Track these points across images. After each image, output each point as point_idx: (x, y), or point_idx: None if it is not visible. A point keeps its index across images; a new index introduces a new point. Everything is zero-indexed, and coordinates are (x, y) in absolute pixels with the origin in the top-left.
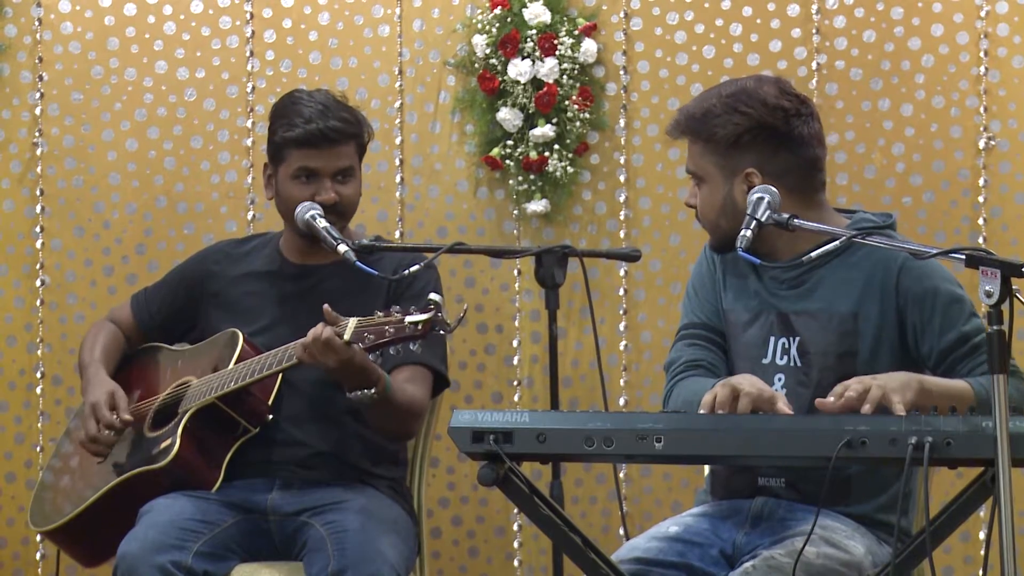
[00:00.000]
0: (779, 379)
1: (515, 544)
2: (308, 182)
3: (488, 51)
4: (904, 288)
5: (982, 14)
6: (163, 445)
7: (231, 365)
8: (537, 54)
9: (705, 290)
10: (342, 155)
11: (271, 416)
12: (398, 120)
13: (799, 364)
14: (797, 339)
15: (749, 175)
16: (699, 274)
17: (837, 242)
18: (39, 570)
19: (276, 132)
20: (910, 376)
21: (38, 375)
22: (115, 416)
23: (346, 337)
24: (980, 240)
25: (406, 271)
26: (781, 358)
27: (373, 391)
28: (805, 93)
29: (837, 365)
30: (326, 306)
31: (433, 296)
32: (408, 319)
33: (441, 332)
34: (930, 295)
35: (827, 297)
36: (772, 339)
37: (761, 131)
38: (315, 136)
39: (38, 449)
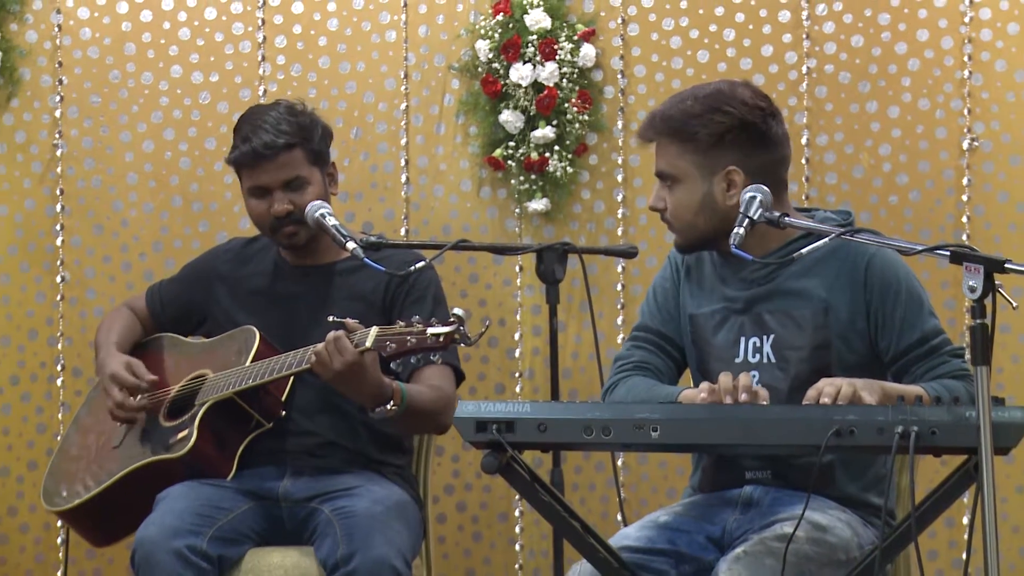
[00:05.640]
0: (754, 376)
1: (517, 529)
2: (261, 197)
3: (491, 56)
4: (871, 279)
5: (966, 20)
6: (180, 436)
7: (248, 362)
8: (538, 59)
9: (666, 298)
10: (285, 166)
11: (284, 412)
12: (404, 122)
13: (773, 360)
14: (771, 336)
15: (730, 173)
16: (662, 279)
17: (827, 239)
18: (60, 554)
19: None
20: (872, 380)
21: (59, 367)
22: (137, 380)
23: (367, 344)
24: (964, 237)
25: (411, 267)
26: (753, 356)
27: (391, 404)
28: (796, 96)
29: (812, 358)
30: (349, 321)
31: (457, 311)
32: (431, 331)
33: (463, 345)
34: (894, 288)
35: (799, 292)
36: (743, 339)
37: (743, 130)
38: (249, 155)
39: (58, 438)
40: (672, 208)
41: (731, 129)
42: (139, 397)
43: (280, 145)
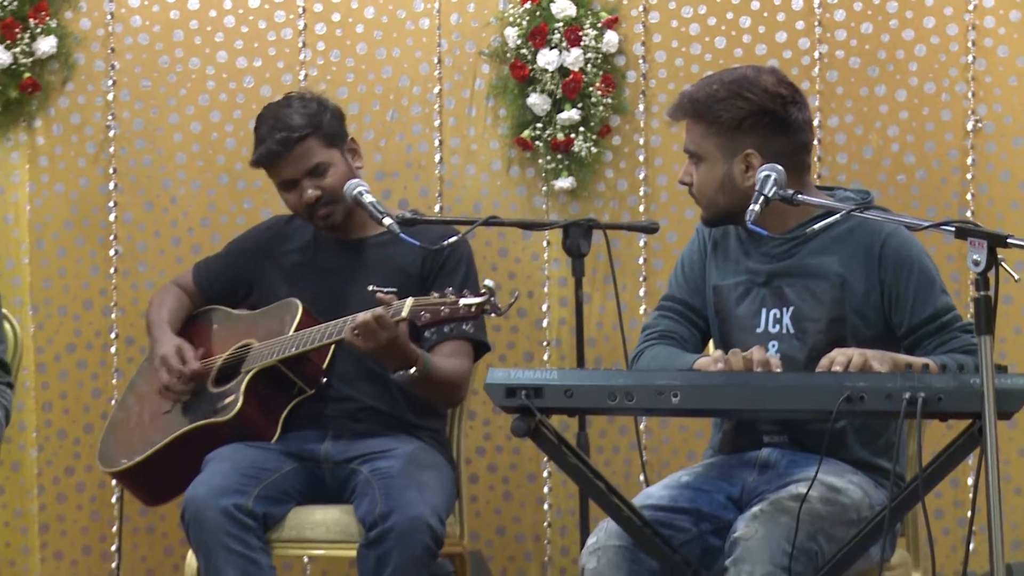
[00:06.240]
0: (773, 345)
1: (545, 489)
2: (291, 189)
3: (519, 42)
4: (886, 256)
5: (970, 7)
6: (227, 400)
7: (291, 331)
8: (564, 45)
9: (693, 269)
10: (303, 157)
11: (325, 379)
12: (437, 105)
13: (792, 331)
14: (791, 308)
15: (748, 156)
16: (690, 251)
17: (838, 216)
18: (114, 512)
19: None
20: (884, 352)
21: (112, 336)
22: (184, 365)
23: (403, 314)
24: (968, 214)
25: (445, 242)
26: (774, 327)
27: (413, 370)
28: (808, 80)
29: (828, 330)
30: (379, 294)
31: (488, 282)
32: (463, 301)
33: (493, 315)
34: (906, 265)
35: (817, 267)
36: (764, 311)
37: (762, 116)
38: (267, 155)
39: (112, 403)
40: (697, 184)
41: (751, 114)
42: (183, 381)
43: (294, 139)
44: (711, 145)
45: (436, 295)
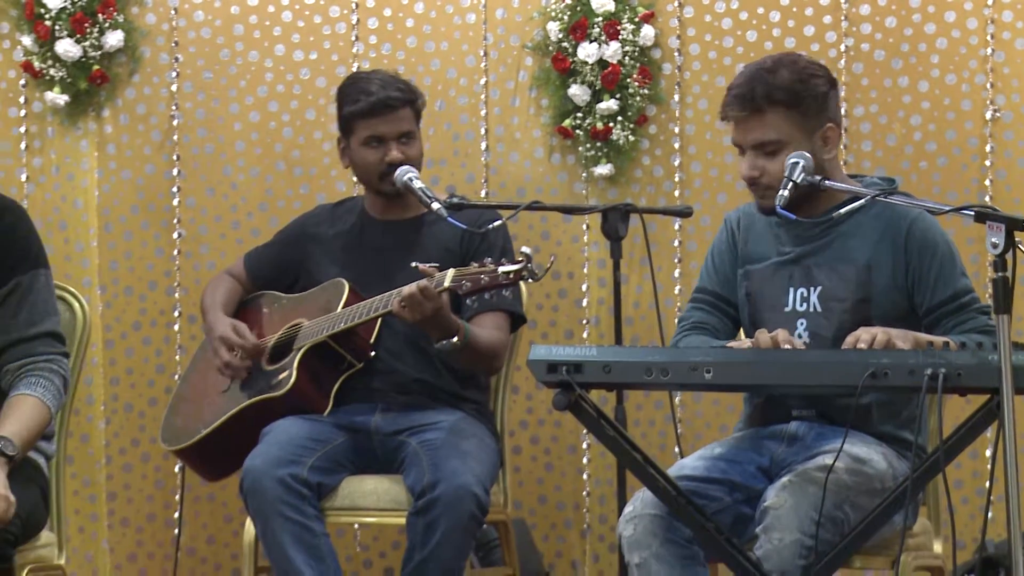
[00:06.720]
0: (801, 323)
1: (584, 460)
2: (377, 147)
3: (560, 36)
4: (912, 240)
5: (989, 2)
6: (281, 376)
7: (339, 309)
8: (603, 38)
9: (723, 260)
10: (402, 119)
11: (373, 353)
12: (483, 96)
13: (819, 310)
14: (819, 288)
15: (828, 130)
16: (719, 243)
17: (864, 200)
18: (177, 481)
19: (343, 108)
20: (907, 330)
21: (176, 314)
22: (242, 341)
23: (445, 284)
24: (987, 199)
25: (490, 225)
26: (801, 305)
27: (455, 339)
28: (835, 72)
29: (854, 309)
30: (422, 267)
31: (524, 249)
32: (501, 269)
33: (531, 280)
34: (930, 249)
35: (845, 250)
36: (791, 290)
37: (833, 87)
38: (376, 105)
39: (176, 378)
40: (777, 172)
41: (828, 90)
42: (242, 356)
43: (400, 99)
44: (794, 129)
45: (476, 265)
